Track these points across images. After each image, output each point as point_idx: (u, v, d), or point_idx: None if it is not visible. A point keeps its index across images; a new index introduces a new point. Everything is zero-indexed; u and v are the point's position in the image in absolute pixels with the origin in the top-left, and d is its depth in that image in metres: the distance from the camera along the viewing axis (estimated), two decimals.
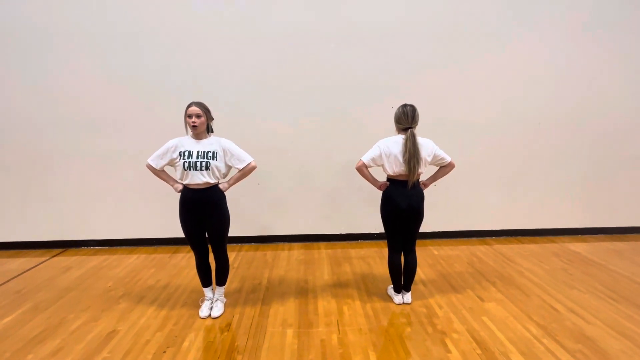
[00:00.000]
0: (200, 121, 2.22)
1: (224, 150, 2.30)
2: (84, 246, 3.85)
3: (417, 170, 2.31)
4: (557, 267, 3.18)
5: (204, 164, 2.23)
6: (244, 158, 2.34)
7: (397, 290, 2.59)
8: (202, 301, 2.52)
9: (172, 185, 2.38)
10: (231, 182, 2.41)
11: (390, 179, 2.45)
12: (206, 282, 2.51)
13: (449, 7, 3.59)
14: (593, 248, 3.66)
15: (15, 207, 3.75)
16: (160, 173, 2.38)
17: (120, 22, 3.48)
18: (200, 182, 2.24)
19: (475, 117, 3.78)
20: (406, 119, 2.32)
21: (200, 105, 2.24)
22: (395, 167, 2.35)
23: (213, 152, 2.26)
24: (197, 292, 2.78)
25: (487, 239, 3.97)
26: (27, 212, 3.76)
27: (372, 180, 2.48)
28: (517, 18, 3.65)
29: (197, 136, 2.28)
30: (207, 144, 2.28)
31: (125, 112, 3.62)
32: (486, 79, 3.73)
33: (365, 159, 2.39)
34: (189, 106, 2.23)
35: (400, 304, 2.56)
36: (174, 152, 2.27)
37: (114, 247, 3.83)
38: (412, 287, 2.74)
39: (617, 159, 3.96)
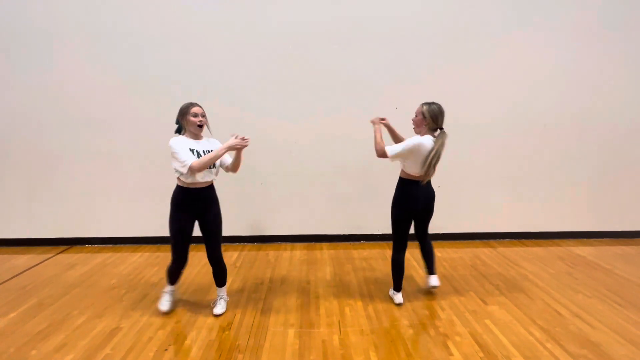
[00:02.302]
0: (205, 120, 2.28)
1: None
2: (89, 244, 3.88)
3: (435, 165, 2.32)
4: (562, 271, 3.14)
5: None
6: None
7: (398, 289, 2.58)
8: (164, 294, 2.51)
9: (232, 145, 2.14)
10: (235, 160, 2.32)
11: (406, 178, 2.42)
12: (175, 281, 2.51)
13: (453, 8, 3.58)
14: (599, 252, 3.61)
15: (21, 205, 3.79)
16: (206, 161, 2.15)
17: (124, 23, 3.52)
18: (209, 180, 2.29)
19: (480, 118, 3.76)
20: (442, 118, 2.31)
21: (200, 105, 2.29)
22: (421, 168, 2.33)
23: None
24: (199, 290, 2.79)
25: (491, 241, 3.94)
26: (33, 210, 3.80)
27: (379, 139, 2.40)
28: (522, 19, 3.62)
29: (197, 136, 2.30)
30: (207, 143, 2.32)
31: (131, 112, 3.65)
32: (491, 80, 3.70)
33: (393, 151, 2.31)
34: (193, 105, 2.25)
35: (400, 304, 2.54)
36: None
37: (118, 245, 3.86)
38: (415, 288, 2.74)
39: (624, 162, 3.91)
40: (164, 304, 2.48)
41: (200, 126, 2.25)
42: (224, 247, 3.77)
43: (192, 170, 2.15)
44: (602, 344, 2.13)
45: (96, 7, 3.49)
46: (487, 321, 2.36)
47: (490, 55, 3.66)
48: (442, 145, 2.28)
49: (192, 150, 2.21)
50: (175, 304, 2.59)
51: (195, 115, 2.23)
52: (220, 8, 3.51)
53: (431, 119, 2.30)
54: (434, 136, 2.33)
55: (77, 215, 3.82)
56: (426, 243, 2.67)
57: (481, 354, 2.03)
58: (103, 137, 3.69)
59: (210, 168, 2.27)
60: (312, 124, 3.71)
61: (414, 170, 2.36)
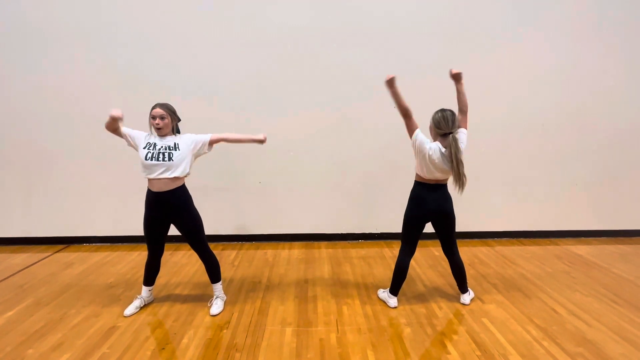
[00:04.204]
0: (163, 122, 2.25)
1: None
2: (87, 242, 3.87)
3: (463, 171, 2.27)
4: (559, 270, 3.15)
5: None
6: None
7: (395, 292, 2.54)
8: (136, 298, 2.50)
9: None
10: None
11: (416, 180, 2.41)
12: (147, 279, 2.52)
13: (452, 7, 3.58)
14: (596, 251, 3.62)
15: (19, 203, 3.78)
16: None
17: (123, 22, 3.51)
18: (160, 176, 2.29)
19: (479, 117, 3.71)
20: (446, 124, 2.27)
21: (164, 106, 2.26)
22: (433, 173, 2.31)
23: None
24: (197, 289, 2.79)
25: (489, 240, 3.94)
26: (30, 208, 3.79)
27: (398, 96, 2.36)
28: (522, 18, 3.62)
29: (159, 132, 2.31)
30: (172, 139, 2.33)
31: (129, 110, 3.58)
32: (490, 80, 3.70)
33: (416, 135, 2.31)
34: (153, 107, 2.26)
35: (395, 307, 2.51)
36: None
37: (116, 244, 3.85)
38: (412, 287, 2.74)
39: (622, 161, 3.92)
40: (130, 307, 2.44)
41: (159, 129, 2.25)
42: (222, 245, 3.81)
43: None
44: (599, 342, 2.13)
45: (94, 6, 3.47)
46: (485, 320, 2.36)
47: (489, 54, 3.66)
48: (456, 149, 2.23)
49: (149, 144, 2.25)
50: (173, 302, 2.59)
51: (154, 117, 2.25)
52: (223, 8, 3.50)
53: (433, 126, 2.34)
54: (443, 143, 2.29)
55: (74, 214, 3.80)
56: (453, 259, 2.49)
57: (478, 353, 2.03)
58: (101, 136, 3.64)
59: (161, 160, 2.21)
60: (311, 123, 3.70)
61: (419, 170, 2.38)
